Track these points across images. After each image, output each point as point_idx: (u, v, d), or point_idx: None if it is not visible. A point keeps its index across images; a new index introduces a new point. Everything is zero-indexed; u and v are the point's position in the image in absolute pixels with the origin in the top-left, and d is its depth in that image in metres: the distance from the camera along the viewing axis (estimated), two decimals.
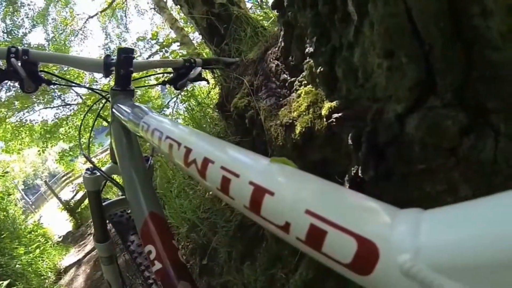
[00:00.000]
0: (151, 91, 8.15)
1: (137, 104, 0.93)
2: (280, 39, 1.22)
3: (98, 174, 1.22)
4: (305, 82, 1.02)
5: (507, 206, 0.21)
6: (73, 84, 1.27)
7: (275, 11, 1.17)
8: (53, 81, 1.07)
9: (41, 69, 1.03)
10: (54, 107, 8.87)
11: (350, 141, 0.77)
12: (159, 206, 0.88)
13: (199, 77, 1.32)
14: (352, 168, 0.79)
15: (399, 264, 0.25)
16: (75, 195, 9.04)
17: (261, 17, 2.56)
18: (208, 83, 1.74)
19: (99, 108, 1.25)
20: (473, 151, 0.58)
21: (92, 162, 1.16)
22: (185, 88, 3.69)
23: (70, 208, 8.31)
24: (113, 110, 0.98)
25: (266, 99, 1.24)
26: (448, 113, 0.59)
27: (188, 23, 6.28)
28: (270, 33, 1.60)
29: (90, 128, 1.76)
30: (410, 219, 0.27)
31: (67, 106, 8.93)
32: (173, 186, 2.78)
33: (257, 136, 1.37)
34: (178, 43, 5.40)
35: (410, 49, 0.60)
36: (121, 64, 1.01)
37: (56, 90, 8.49)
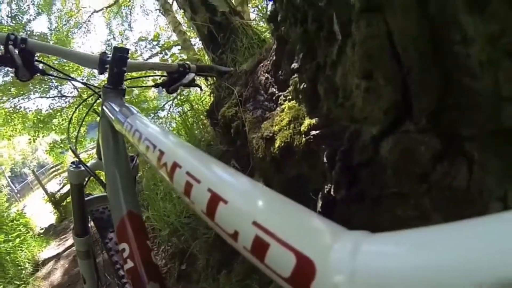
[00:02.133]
0: (148, 91, 8.16)
1: (126, 104, 0.94)
2: (273, 53, 1.23)
3: (83, 168, 1.22)
4: (290, 97, 1.04)
5: (450, 236, 0.20)
6: (68, 78, 1.28)
7: (271, 24, 1.19)
8: (48, 72, 1.08)
9: (40, 59, 1.05)
10: (49, 97, 8.82)
11: (325, 159, 0.78)
12: (137, 206, 0.89)
13: (192, 83, 1.33)
14: (326, 186, 0.80)
15: (334, 284, 0.25)
16: (61, 188, 8.96)
17: (264, 29, 2.59)
18: (201, 89, 1.75)
19: (92, 103, 1.26)
20: (446, 178, 0.57)
21: (77, 156, 1.16)
22: (181, 92, 3.72)
23: (55, 200, 8.21)
24: (103, 107, 0.99)
25: (253, 110, 1.26)
26: (422, 138, 0.59)
27: (191, 28, 6.32)
28: (266, 46, 1.62)
29: (81, 122, 1.77)
30: (353, 240, 0.27)
31: (63, 98, 8.88)
32: (159, 189, 2.78)
33: (241, 147, 1.38)
34: (179, 47, 5.43)
35: (388, 71, 0.60)
36: (115, 63, 1.02)
37: (53, 81, 8.45)
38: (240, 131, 1.34)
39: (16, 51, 0.96)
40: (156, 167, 0.59)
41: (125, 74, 1.06)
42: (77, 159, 1.20)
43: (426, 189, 0.61)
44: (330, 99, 0.80)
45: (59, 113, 8.76)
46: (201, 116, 3.05)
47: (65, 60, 7.44)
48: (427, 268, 0.20)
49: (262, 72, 1.32)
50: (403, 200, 0.66)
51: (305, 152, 0.91)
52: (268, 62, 1.31)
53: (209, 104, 2.22)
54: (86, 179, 1.29)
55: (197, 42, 6.18)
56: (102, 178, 1.04)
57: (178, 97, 3.68)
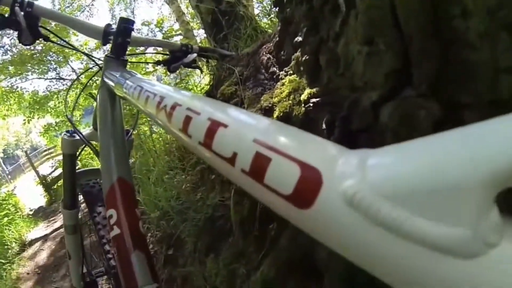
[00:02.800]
0: (149, 76, 8.12)
1: (127, 70, 0.95)
2: (276, 35, 1.24)
3: (77, 137, 1.21)
4: (291, 72, 1.05)
5: (449, 142, 0.20)
6: (69, 46, 1.26)
7: (276, 8, 1.20)
8: (50, 38, 1.08)
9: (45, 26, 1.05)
10: (47, 79, 8.77)
11: (324, 126, 0.78)
12: (129, 174, 0.88)
13: (193, 64, 1.33)
14: None
15: (343, 191, 0.23)
16: (53, 171, 8.92)
17: (267, 25, 2.59)
18: (202, 71, 1.75)
19: (93, 73, 1.26)
20: None
21: (73, 124, 1.15)
22: (181, 78, 3.71)
23: (46, 183, 8.18)
24: (104, 76, 0.99)
25: (253, 88, 1.27)
26: (422, 103, 0.59)
27: (194, 19, 6.32)
28: (269, 33, 1.63)
29: (80, 91, 1.76)
30: (358, 153, 0.26)
31: (61, 81, 8.83)
32: (151, 174, 2.77)
33: None
34: (181, 36, 5.41)
35: (389, 38, 0.62)
36: (120, 33, 1.02)
37: (52, 62, 8.40)
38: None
39: (22, 14, 0.96)
40: (155, 114, 0.58)
41: (129, 45, 1.05)
42: (72, 127, 1.18)
43: None
44: (331, 69, 0.81)
45: (56, 96, 8.71)
46: None
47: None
48: (433, 170, 0.20)
49: (264, 53, 1.32)
50: None
51: (303, 121, 0.91)
52: (271, 44, 1.32)
53: (208, 87, 2.22)
54: (80, 149, 1.27)
55: (199, 34, 6.18)
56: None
57: (177, 80, 3.66)
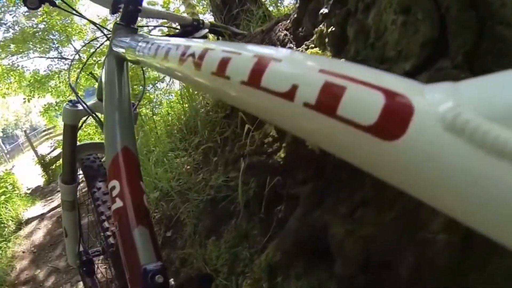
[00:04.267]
0: None
1: (138, 33, 0.93)
2: (294, 12, 1.21)
3: (80, 108, 1.16)
4: (312, 45, 1.01)
5: None
6: (76, 13, 1.21)
7: None
8: (57, 3, 1.04)
9: None
10: (49, 57, 8.69)
11: None
12: (134, 144, 0.83)
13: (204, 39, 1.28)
14: None
15: (441, 115, 0.20)
16: (52, 151, 8.89)
17: (274, 14, 2.55)
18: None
19: (100, 44, 1.22)
20: None
21: (76, 93, 1.09)
22: None
23: (45, 163, 8.16)
24: (112, 44, 0.95)
25: None
26: (458, 74, 0.58)
27: (201, 2, 6.23)
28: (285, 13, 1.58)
29: (86, 60, 1.72)
30: (443, 82, 0.23)
31: (62, 60, 8.75)
32: (152, 154, 2.73)
33: None
34: None
35: (426, 7, 0.61)
36: (131, 0, 0.98)
37: (54, 41, 8.31)
38: None
39: None
40: (177, 67, 0.54)
41: (139, 14, 1.01)
42: (76, 97, 1.12)
43: None
44: (359, 41, 0.79)
45: (57, 75, 8.63)
46: None
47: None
48: None
49: (280, 30, 1.30)
50: None
51: None
52: (288, 21, 1.29)
53: None
54: (82, 120, 1.22)
55: (206, 18, 6.10)
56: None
57: None
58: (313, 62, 0.31)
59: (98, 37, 1.28)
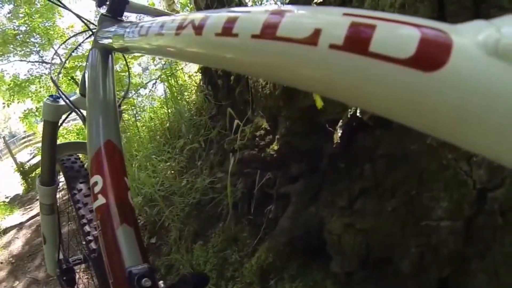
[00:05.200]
0: (132, 69, 7.94)
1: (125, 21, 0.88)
2: None
3: (62, 103, 1.10)
4: None
5: None
6: (61, 4, 1.15)
7: None
8: None
9: None
10: (30, 61, 8.49)
11: None
12: (119, 139, 0.77)
13: None
14: (349, 110, 0.74)
15: (482, 42, 0.20)
16: (31, 158, 8.68)
17: None
18: None
19: (86, 37, 1.16)
20: None
21: (58, 87, 1.03)
22: (168, 67, 3.61)
23: (24, 171, 7.95)
24: (97, 35, 0.90)
25: None
26: None
27: (185, 10, 6.22)
28: None
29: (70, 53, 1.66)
30: (478, 21, 0.22)
31: (43, 64, 8.55)
32: (134, 159, 2.67)
33: (239, 95, 1.36)
34: None
35: None
36: None
37: (36, 45, 8.13)
38: (240, 78, 1.31)
39: None
40: (172, 40, 0.50)
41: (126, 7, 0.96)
42: (58, 91, 1.06)
43: None
44: None
45: (37, 80, 8.43)
46: (186, 93, 3.08)
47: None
48: None
49: None
50: None
51: None
52: None
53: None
54: (64, 116, 1.15)
55: None
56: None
57: (164, 70, 3.57)
58: (335, 9, 0.29)
59: (81, 32, 1.22)
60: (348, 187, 0.76)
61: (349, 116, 0.74)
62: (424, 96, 0.22)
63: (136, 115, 3.95)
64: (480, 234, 0.58)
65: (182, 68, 3.70)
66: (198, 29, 0.42)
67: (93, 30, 1.02)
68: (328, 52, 0.27)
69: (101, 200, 0.67)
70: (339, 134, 0.77)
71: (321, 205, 0.85)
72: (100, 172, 0.70)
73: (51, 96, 1.13)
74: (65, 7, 1.20)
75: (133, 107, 4.42)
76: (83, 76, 1.00)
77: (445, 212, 0.60)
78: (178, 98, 2.99)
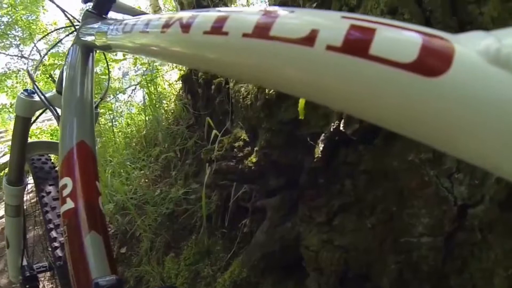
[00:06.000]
0: (112, 73, 7.82)
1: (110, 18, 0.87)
2: None
3: (36, 99, 1.05)
4: None
5: None
6: None
7: None
8: None
9: None
10: (8, 55, 8.25)
11: None
12: (93, 140, 0.74)
13: None
14: (332, 124, 0.73)
15: (483, 50, 0.20)
16: (1, 156, 8.40)
17: None
18: None
19: (68, 33, 1.12)
20: None
21: (34, 81, 0.98)
22: (149, 73, 3.57)
23: None
24: (79, 32, 0.88)
25: None
26: None
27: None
28: None
29: (50, 47, 1.60)
30: (476, 32, 0.23)
31: (23, 59, 8.31)
32: (108, 165, 2.60)
33: (218, 105, 1.34)
34: None
35: (413, 9, 0.63)
36: None
37: (16, 38, 7.91)
38: (221, 88, 1.31)
39: None
40: (157, 38, 0.48)
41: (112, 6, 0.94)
42: (33, 86, 1.01)
43: None
44: None
45: (15, 75, 8.18)
46: (164, 101, 3.06)
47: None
48: None
49: None
50: (417, 141, 0.60)
51: None
52: None
53: (183, 71, 2.12)
54: (37, 113, 1.11)
55: None
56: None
57: (144, 76, 3.54)
58: (333, 12, 0.29)
59: (64, 27, 1.18)
60: (327, 202, 0.75)
61: (332, 130, 0.74)
62: (425, 101, 0.22)
63: (113, 120, 3.87)
64: (459, 251, 0.59)
65: (162, 76, 3.67)
66: (186, 27, 0.41)
67: (76, 27, 1.00)
68: (325, 54, 0.26)
69: (69, 204, 0.64)
70: (321, 149, 0.76)
71: (299, 220, 0.83)
72: (71, 174, 0.66)
73: (26, 90, 1.09)
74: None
75: (110, 112, 4.35)
76: (61, 73, 0.96)
77: (426, 228, 0.61)
78: (157, 106, 2.96)
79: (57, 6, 1.16)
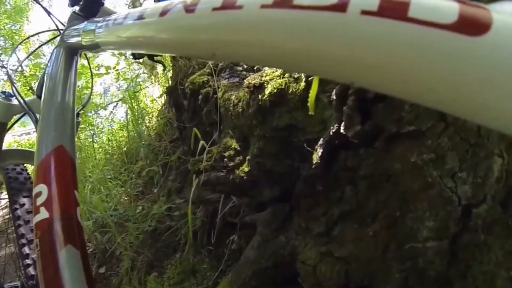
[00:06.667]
0: (94, 87, 7.71)
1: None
2: None
3: (14, 102, 0.99)
4: None
5: None
6: None
7: None
8: None
9: None
10: None
11: (334, 96, 0.72)
12: (72, 145, 0.68)
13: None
14: (332, 127, 0.70)
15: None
16: None
17: None
18: (165, 67, 1.63)
19: (53, 38, 1.08)
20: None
21: (13, 83, 0.93)
22: (131, 89, 3.53)
23: None
24: (64, 33, 0.84)
25: (229, 78, 1.19)
26: None
27: None
28: None
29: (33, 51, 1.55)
30: None
31: (3, 70, 8.11)
32: (87, 181, 2.52)
33: (206, 115, 1.32)
34: None
35: None
36: None
37: None
38: (209, 97, 1.29)
39: None
40: (156, 25, 0.44)
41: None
42: (12, 89, 0.95)
43: (444, 127, 0.60)
44: None
45: None
46: (147, 117, 3.04)
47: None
48: None
49: None
50: (419, 142, 0.62)
51: (302, 97, 0.81)
52: None
53: (168, 83, 2.08)
54: (15, 118, 1.04)
55: None
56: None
57: (126, 93, 3.51)
58: None
59: (47, 30, 1.13)
60: (326, 211, 0.71)
61: (331, 133, 0.71)
62: (472, 60, 0.21)
63: (94, 135, 3.81)
64: (462, 253, 0.58)
65: (145, 92, 3.65)
66: (190, 6, 0.36)
67: (61, 30, 0.95)
68: (360, 19, 0.24)
69: (43, 214, 0.58)
70: (319, 154, 0.73)
71: (293, 233, 0.79)
72: (46, 181, 0.60)
73: (3, 92, 1.03)
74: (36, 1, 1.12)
75: (91, 127, 4.30)
76: (42, 77, 0.91)
77: (431, 232, 0.59)
78: (139, 121, 2.92)
79: (42, 7, 1.11)
